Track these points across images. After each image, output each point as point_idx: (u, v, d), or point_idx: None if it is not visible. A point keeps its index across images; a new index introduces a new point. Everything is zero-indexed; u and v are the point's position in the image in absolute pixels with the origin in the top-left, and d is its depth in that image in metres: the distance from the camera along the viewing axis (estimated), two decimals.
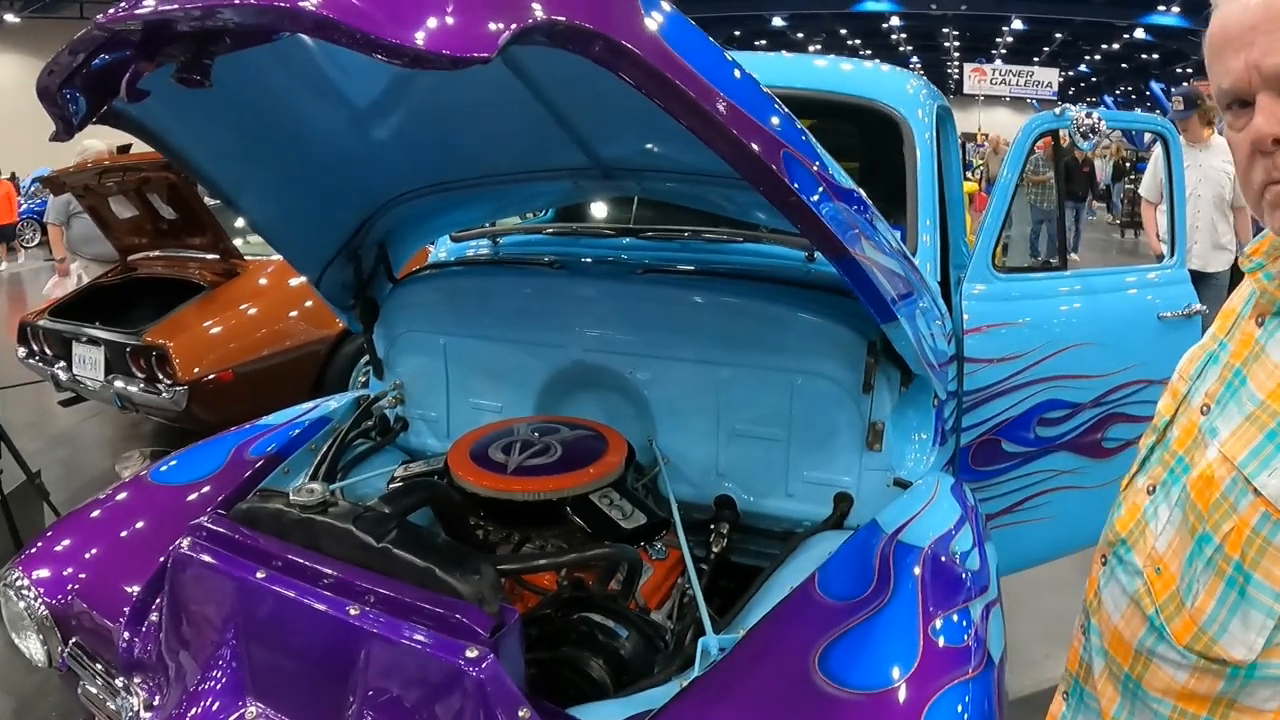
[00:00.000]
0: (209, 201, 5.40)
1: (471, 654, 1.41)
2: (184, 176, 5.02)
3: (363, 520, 1.66)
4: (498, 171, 2.46)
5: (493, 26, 1.06)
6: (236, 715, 1.65)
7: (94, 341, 5.43)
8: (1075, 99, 47.57)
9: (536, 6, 1.11)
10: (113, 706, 1.94)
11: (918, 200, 2.54)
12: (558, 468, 2.07)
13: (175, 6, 1.17)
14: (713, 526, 2.28)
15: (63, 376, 5.63)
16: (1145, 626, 1.24)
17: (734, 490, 2.34)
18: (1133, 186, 15.38)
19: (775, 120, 1.43)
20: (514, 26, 1.07)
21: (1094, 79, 47.42)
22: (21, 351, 5.99)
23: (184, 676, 1.76)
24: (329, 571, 1.62)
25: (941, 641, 1.60)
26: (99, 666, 2.02)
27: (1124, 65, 41.70)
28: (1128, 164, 20.01)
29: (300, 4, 1.05)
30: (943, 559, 1.84)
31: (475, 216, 2.85)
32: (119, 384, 5.26)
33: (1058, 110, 2.75)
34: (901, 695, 1.48)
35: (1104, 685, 1.34)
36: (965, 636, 1.62)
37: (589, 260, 2.61)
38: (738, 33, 36.72)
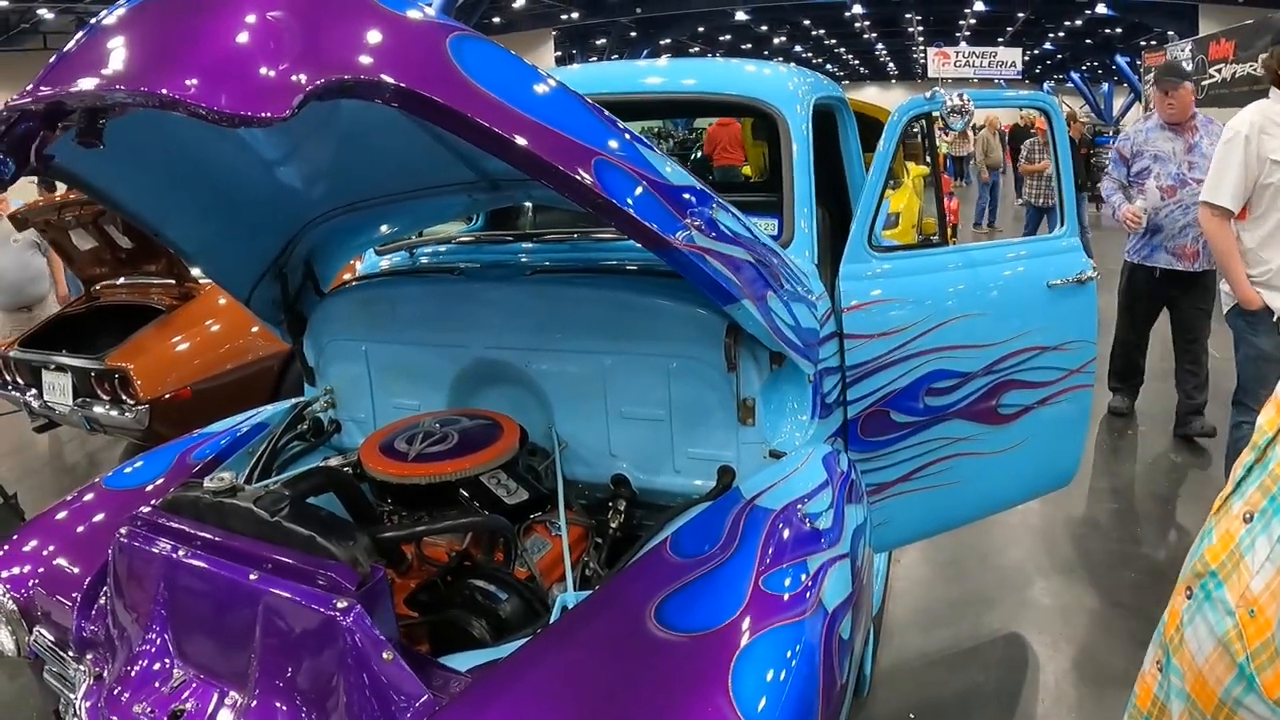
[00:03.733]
0: None
1: (341, 605, 1.64)
2: None
3: (262, 500, 1.88)
4: (399, 190, 2.67)
5: (294, 83, 1.32)
6: (167, 680, 1.86)
7: (62, 368, 5.62)
8: (1041, 78, 47.73)
9: (331, 66, 1.35)
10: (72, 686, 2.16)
11: (794, 190, 2.73)
12: (452, 454, 2.28)
13: (57, 90, 1.46)
14: (610, 504, 2.48)
15: (35, 404, 5.81)
16: (1233, 674, 1.10)
17: (627, 469, 2.53)
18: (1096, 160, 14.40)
19: (588, 131, 1.64)
20: (309, 88, 1.32)
21: (1059, 56, 47.65)
22: None
23: (124, 649, 1.98)
24: (234, 545, 1.84)
25: (769, 590, 1.79)
26: (61, 650, 2.24)
27: (1088, 41, 41.87)
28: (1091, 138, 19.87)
29: (125, 87, 1.37)
30: (792, 519, 2.03)
31: (392, 231, 3.04)
32: (86, 407, 5.46)
33: (928, 94, 2.87)
34: (720, 636, 1.67)
35: None
36: (794, 587, 1.81)
37: (480, 266, 2.81)
38: (701, 29, 36.96)
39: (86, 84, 1.42)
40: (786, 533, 1.98)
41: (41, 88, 1.48)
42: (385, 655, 1.63)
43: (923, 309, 2.87)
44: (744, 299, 1.98)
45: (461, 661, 1.78)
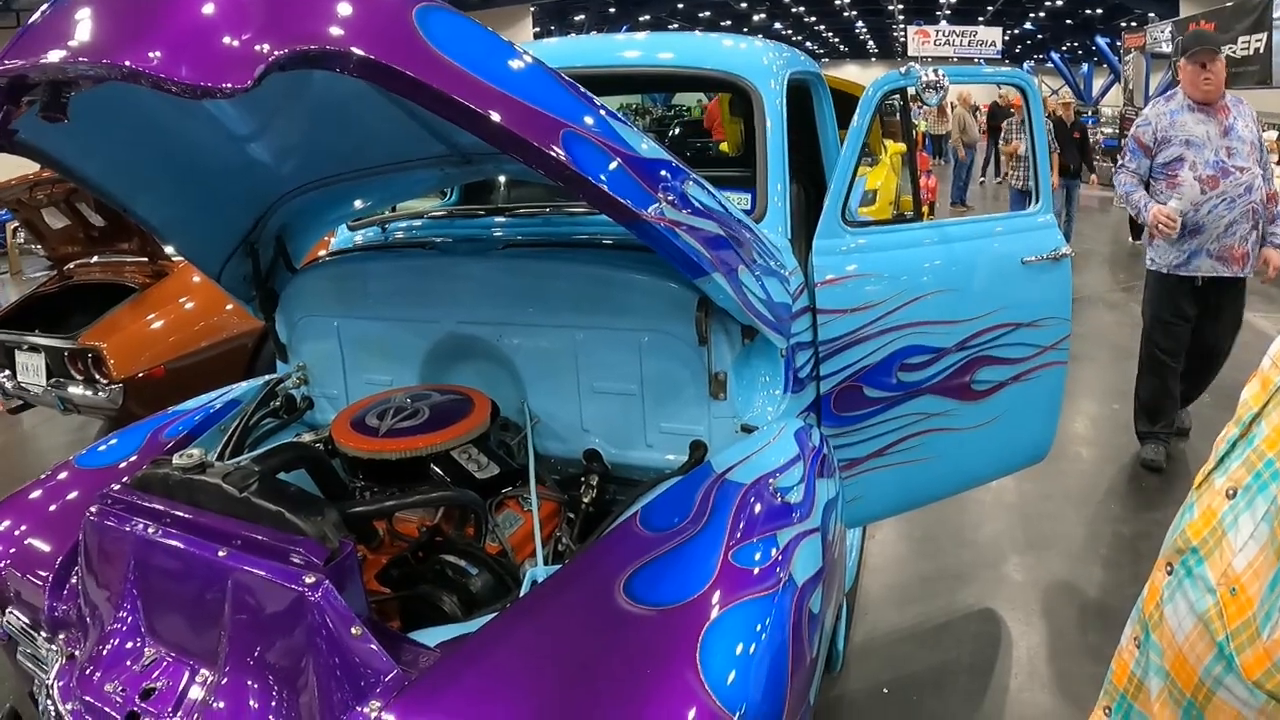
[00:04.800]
0: None
1: (309, 580, 1.63)
2: None
3: (230, 476, 1.87)
4: (370, 164, 2.64)
5: (256, 53, 1.32)
6: (138, 659, 1.86)
7: (35, 348, 5.58)
8: (1021, 57, 47.79)
9: (294, 37, 1.34)
10: (45, 667, 2.15)
11: (767, 164, 2.72)
12: (423, 429, 2.27)
13: (20, 64, 1.46)
14: (583, 479, 2.48)
15: (8, 385, 5.77)
16: (1213, 653, 1.07)
17: (600, 444, 2.53)
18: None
19: (558, 104, 1.63)
20: (271, 58, 1.32)
21: (1039, 36, 47.67)
22: None
23: (95, 629, 1.97)
24: (203, 522, 1.83)
25: (738, 564, 1.79)
26: (33, 631, 2.22)
27: (1068, 21, 41.94)
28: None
29: (88, 59, 1.37)
30: (763, 493, 2.03)
31: (364, 206, 3.02)
32: (60, 387, 5.43)
33: (903, 69, 2.86)
34: (688, 610, 1.67)
35: (1161, 709, 1.18)
36: (763, 560, 1.82)
37: (453, 240, 2.79)
38: (681, 5, 36.81)
39: (50, 57, 1.41)
40: (757, 507, 1.98)
41: (4, 61, 1.48)
42: (354, 630, 1.62)
43: (896, 284, 2.87)
44: (715, 272, 1.98)
45: (431, 637, 1.77)
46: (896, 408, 3.00)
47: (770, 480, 2.09)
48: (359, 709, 1.59)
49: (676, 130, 8.95)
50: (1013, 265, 3.19)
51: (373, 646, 1.63)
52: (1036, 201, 3.38)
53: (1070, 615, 3.68)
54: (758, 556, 1.82)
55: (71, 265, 6.46)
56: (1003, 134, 11.61)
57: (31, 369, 5.62)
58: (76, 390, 5.36)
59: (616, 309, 2.39)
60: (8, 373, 5.77)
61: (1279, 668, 0.98)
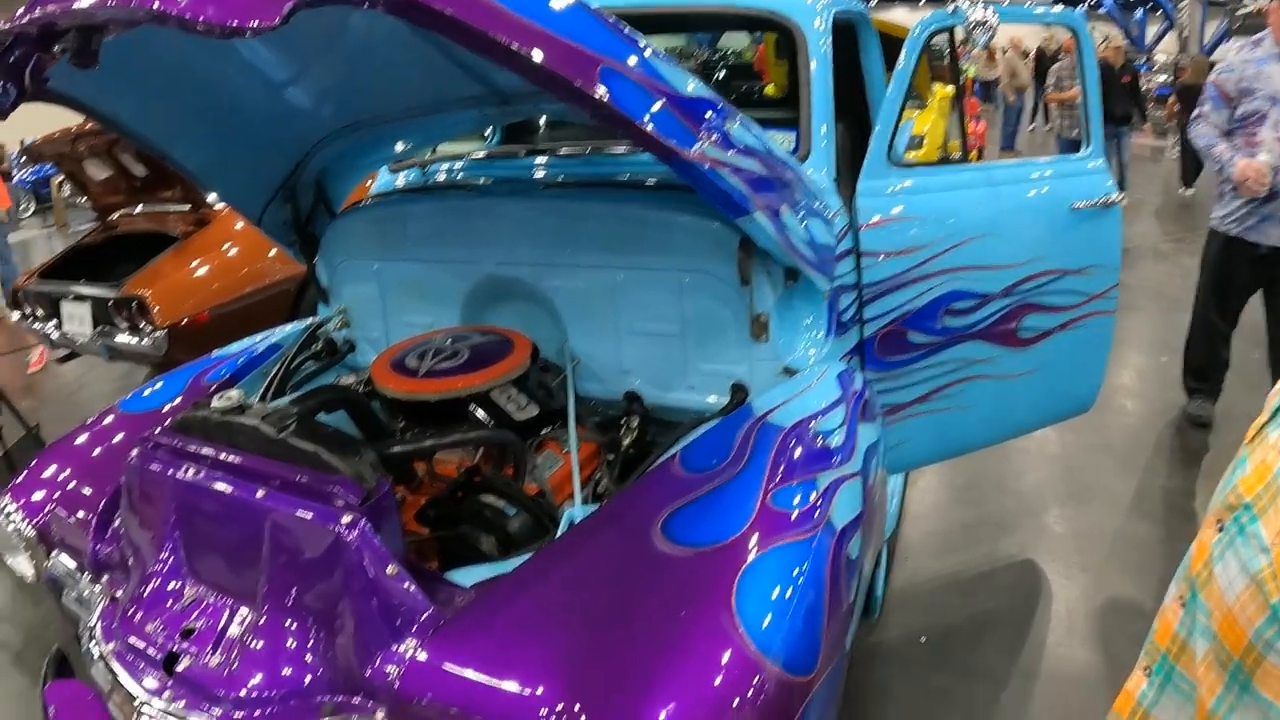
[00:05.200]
0: None
1: (345, 519, 1.63)
2: None
3: (269, 417, 1.86)
4: (408, 107, 2.63)
5: None
6: (178, 600, 1.87)
7: (80, 298, 5.66)
8: (1074, 1, 46.64)
9: None
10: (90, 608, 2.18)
11: (810, 105, 2.67)
12: (463, 369, 2.27)
13: (49, 11, 1.49)
14: (623, 421, 2.46)
15: (54, 335, 5.86)
16: (1265, 615, 1.03)
17: (640, 386, 2.51)
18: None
19: (597, 41, 1.60)
20: None
21: None
22: (15, 316, 6.23)
23: (137, 570, 1.99)
24: (242, 463, 1.83)
25: (777, 507, 1.76)
26: (78, 574, 2.25)
27: None
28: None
29: (114, 3, 1.39)
30: (803, 436, 2.01)
31: (404, 149, 3.00)
32: (106, 336, 5.51)
33: (950, 8, 2.80)
34: (726, 552, 1.65)
35: (1206, 672, 1.14)
36: (802, 504, 1.79)
37: (493, 181, 2.77)
38: None
39: (78, 2, 1.43)
40: (797, 450, 1.96)
41: (33, 10, 1.49)
42: (390, 570, 1.62)
43: (942, 227, 2.81)
44: (756, 212, 1.94)
45: (467, 576, 1.77)
46: (941, 353, 2.95)
47: (811, 423, 2.06)
48: (394, 647, 1.59)
49: (722, 74, 8.76)
50: (1062, 210, 3.11)
51: (408, 586, 1.63)
52: (1088, 144, 3.29)
53: (1111, 570, 3.63)
54: (797, 500, 1.80)
55: (115, 216, 6.52)
56: (1053, 80, 11.15)
57: (77, 318, 5.70)
58: (122, 338, 5.43)
59: (657, 249, 2.36)
60: (54, 323, 5.86)
61: None
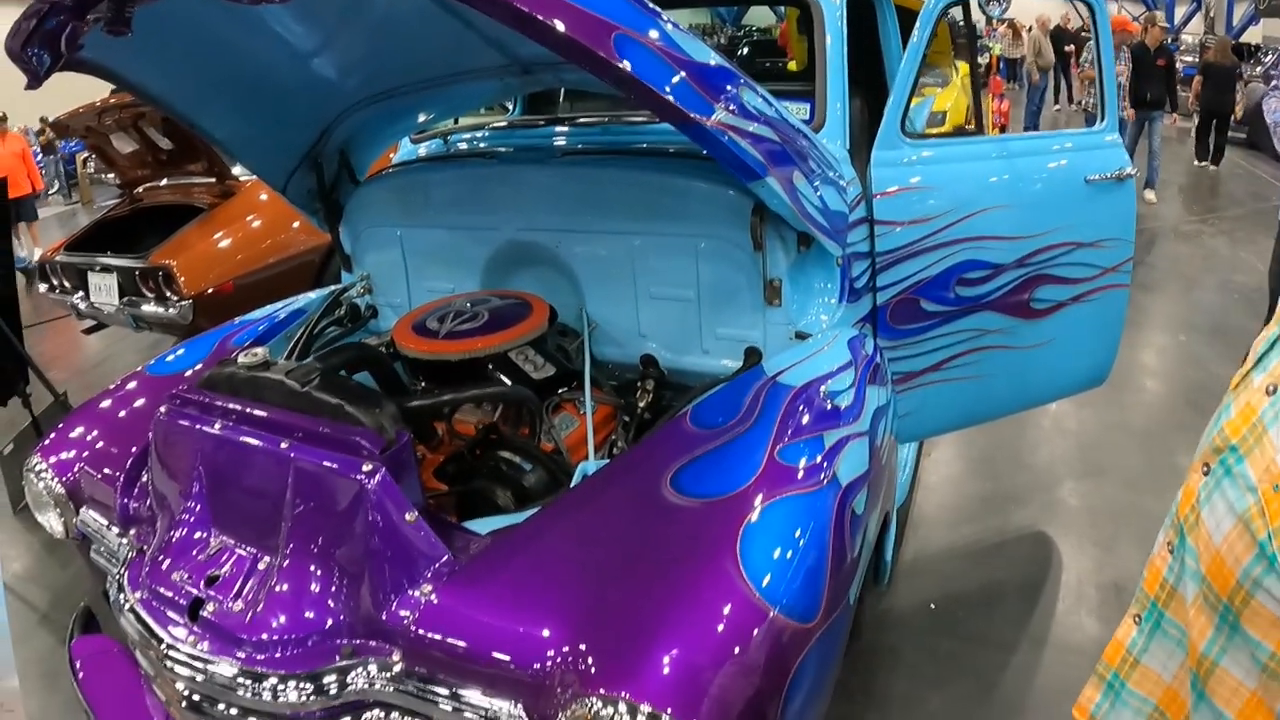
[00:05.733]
0: None
1: (366, 468, 1.69)
2: None
3: (293, 373, 1.93)
4: (430, 77, 2.68)
5: None
6: (203, 549, 1.95)
7: (107, 269, 5.76)
8: None
9: None
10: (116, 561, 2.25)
11: (826, 77, 2.70)
12: (482, 331, 2.33)
13: None
14: (639, 384, 2.52)
15: (82, 305, 5.97)
16: (1253, 553, 1.04)
17: (656, 349, 2.57)
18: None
19: (615, 10, 1.65)
20: None
21: None
22: (43, 287, 6.34)
23: (164, 521, 2.07)
24: (267, 416, 1.90)
25: (784, 462, 1.82)
26: (106, 529, 2.32)
27: None
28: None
29: None
30: (812, 397, 2.05)
31: (426, 119, 3.07)
32: (133, 306, 5.61)
33: None
34: (732, 503, 1.71)
35: (1196, 615, 1.15)
36: (809, 460, 1.84)
37: (513, 150, 2.82)
38: None
39: None
40: (805, 409, 2.00)
41: None
42: (408, 517, 1.69)
43: (956, 197, 2.83)
44: (769, 177, 1.98)
45: (483, 526, 1.83)
46: (953, 323, 2.97)
47: (821, 385, 2.10)
48: (411, 592, 1.66)
49: (745, 49, 8.75)
50: (1076, 183, 3.13)
51: (426, 532, 1.69)
52: (1102, 119, 3.30)
53: (1123, 543, 3.66)
54: (803, 456, 1.85)
55: (140, 189, 6.63)
56: (1087, 57, 10.96)
57: (104, 289, 5.80)
58: (148, 308, 5.54)
59: (673, 215, 2.40)
60: (81, 294, 5.96)
61: None
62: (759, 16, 18.48)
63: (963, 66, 9.35)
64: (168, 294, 5.43)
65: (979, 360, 3.10)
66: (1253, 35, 19.10)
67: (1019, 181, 3.01)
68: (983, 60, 18.17)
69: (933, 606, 3.27)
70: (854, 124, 2.79)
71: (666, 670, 1.43)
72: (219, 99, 2.58)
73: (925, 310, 2.90)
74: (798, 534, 1.68)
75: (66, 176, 17.95)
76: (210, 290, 5.42)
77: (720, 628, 1.49)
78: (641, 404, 2.45)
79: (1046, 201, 3.07)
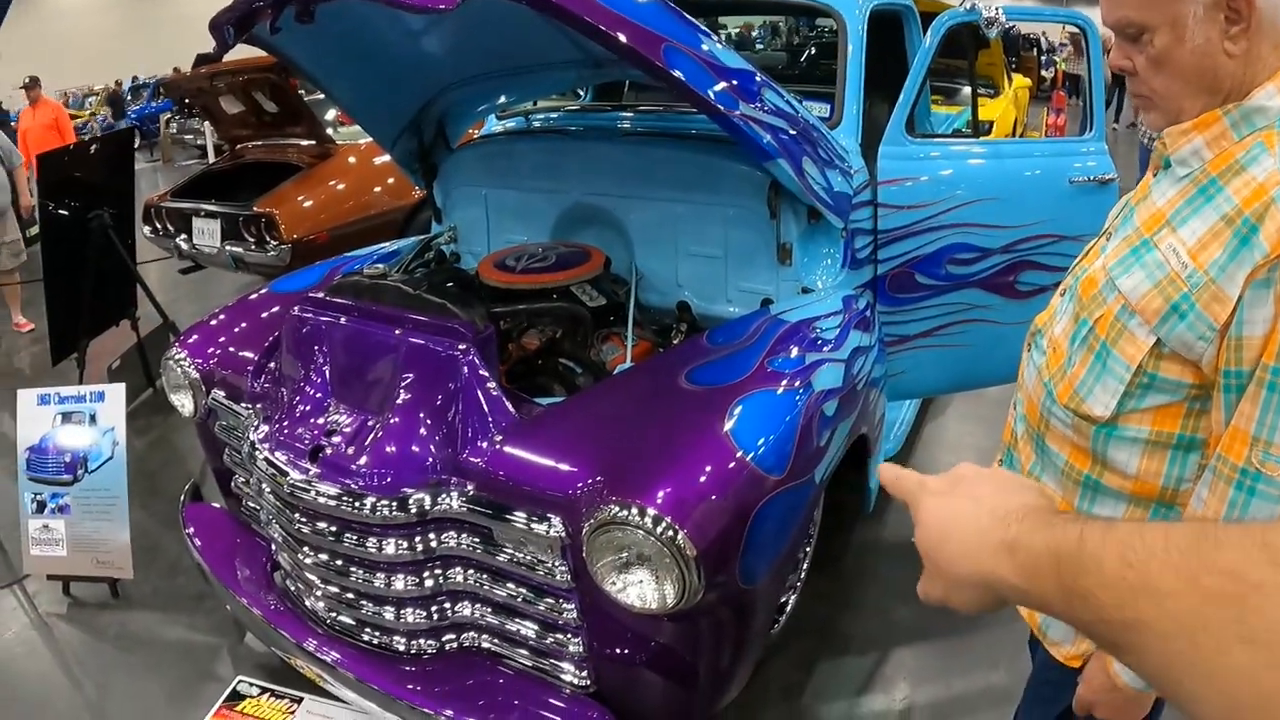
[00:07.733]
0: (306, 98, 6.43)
1: (461, 347, 2.29)
2: (283, 76, 6.09)
3: (407, 281, 2.53)
4: (517, 64, 3.27)
5: None
6: (323, 413, 2.49)
7: (211, 215, 6.46)
8: None
9: None
10: (238, 434, 2.82)
11: (845, 81, 3.26)
12: (550, 269, 2.92)
13: None
14: (674, 326, 3.11)
15: (184, 247, 6.66)
16: (1044, 392, 1.51)
17: (690, 298, 3.16)
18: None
19: (662, 24, 2.24)
20: None
21: None
22: (147, 230, 6.95)
23: (290, 395, 2.61)
24: (385, 311, 2.48)
25: (768, 367, 2.40)
26: (231, 404, 2.89)
27: None
28: None
29: None
30: (803, 331, 2.63)
31: (511, 100, 3.67)
32: (233, 248, 6.29)
33: (966, 5, 3.28)
34: (727, 390, 2.30)
35: (1023, 446, 1.62)
36: (790, 369, 2.42)
37: (582, 128, 3.42)
38: None
39: None
40: (796, 337, 2.58)
41: None
42: (490, 385, 2.28)
43: (950, 189, 3.33)
44: (779, 158, 2.54)
45: (542, 401, 2.44)
46: (944, 296, 3.46)
47: (813, 324, 2.67)
48: (483, 442, 2.25)
49: (813, 49, 9.14)
50: (1059, 182, 3.56)
51: (501, 397, 2.29)
52: (1090, 129, 3.73)
53: None
54: (787, 366, 2.43)
55: (242, 146, 7.34)
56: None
57: (207, 233, 6.49)
58: (249, 250, 6.22)
59: (709, 188, 2.98)
60: (184, 236, 6.65)
61: (1077, 392, 1.44)
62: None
63: (1019, 80, 9.63)
64: (268, 239, 6.09)
65: (966, 331, 3.57)
66: None
67: (1007, 178, 3.48)
68: (1047, 75, 18.36)
69: (914, 540, 3.76)
70: (874, 123, 3.30)
71: (668, 490, 1.99)
72: (350, 72, 3.18)
73: (919, 283, 3.40)
74: (774, 415, 2.26)
75: (144, 136, 18.60)
76: (309, 238, 6.08)
77: (709, 467, 2.07)
78: (675, 341, 3.03)
79: (1032, 196, 3.52)
